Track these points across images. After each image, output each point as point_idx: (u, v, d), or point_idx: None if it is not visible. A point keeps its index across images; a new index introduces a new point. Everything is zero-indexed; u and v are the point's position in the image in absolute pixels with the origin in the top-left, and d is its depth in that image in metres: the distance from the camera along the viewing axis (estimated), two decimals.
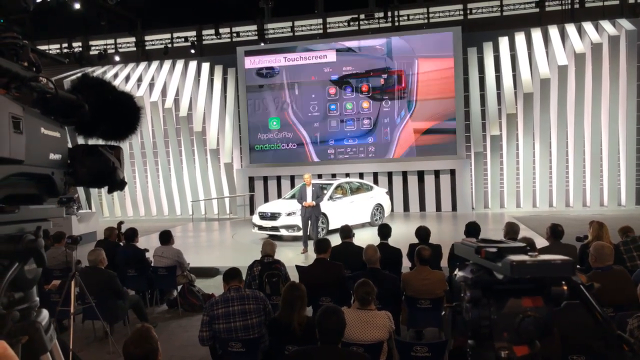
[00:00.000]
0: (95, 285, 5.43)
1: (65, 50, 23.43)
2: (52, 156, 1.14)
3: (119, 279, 5.89)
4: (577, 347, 3.15)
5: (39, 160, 1.09)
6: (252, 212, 16.08)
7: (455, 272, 1.12)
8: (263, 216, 12.03)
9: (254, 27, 22.36)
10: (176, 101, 18.27)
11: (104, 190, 1.40)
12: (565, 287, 0.95)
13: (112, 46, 23.65)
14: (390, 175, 16.85)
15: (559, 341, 3.06)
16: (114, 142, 1.44)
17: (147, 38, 23.48)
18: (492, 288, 0.99)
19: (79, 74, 1.48)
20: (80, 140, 1.44)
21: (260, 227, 11.98)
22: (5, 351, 0.95)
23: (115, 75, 19.31)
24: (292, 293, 3.73)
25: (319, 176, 15.98)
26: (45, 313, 1.22)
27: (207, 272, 8.72)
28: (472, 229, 6.10)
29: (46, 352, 1.16)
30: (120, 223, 8.28)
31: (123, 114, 1.44)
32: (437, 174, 16.60)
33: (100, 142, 1.41)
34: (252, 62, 17.88)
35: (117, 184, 1.35)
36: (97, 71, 19.41)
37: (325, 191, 12.15)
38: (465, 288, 1.03)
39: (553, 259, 0.94)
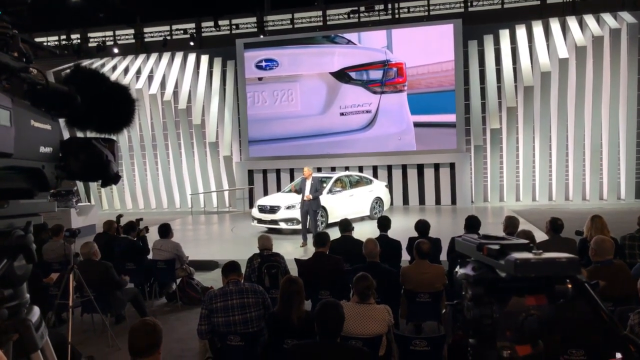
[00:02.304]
0: (92, 278, 5.41)
1: (63, 42, 23.30)
2: (43, 149, 1.11)
3: (115, 271, 5.87)
4: (576, 342, 3.13)
5: (28, 154, 1.06)
6: (251, 206, 16.06)
7: (457, 269, 1.09)
8: (262, 209, 12.02)
9: (254, 20, 22.23)
10: (175, 94, 18.20)
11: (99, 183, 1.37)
12: (569, 286, 0.92)
13: (111, 38, 23.51)
14: (389, 168, 16.82)
15: (559, 336, 3.05)
16: (108, 135, 1.41)
17: (146, 30, 23.34)
18: (495, 286, 0.96)
19: (72, 66, 1.45)
20: (74, 133, 1.41)
21: (260, 221, 11.97)
22: None
23: (114, 68, 19.23)
24: (289, 287, 3.71)
25: (319, 169, 15.94)
26: (36, 310, 1.19)
27: (206, 266, 8.72)
28: (472, 222, 6.08)
29: (37, 351, 1.13)
30: (119, 216, 8.25)
31: (117, 106, 1.40)
32: (436, 167, 16.57)
33: (94, 134, 1.38)
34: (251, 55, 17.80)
35: (110, 178, 1.32)
36: (95, 63, 19.34)
37: (324, 184, 12.13)
38: (466, 286, 1.00)
39: (558, 257, 0.91)
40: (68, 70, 1.36)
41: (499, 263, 0.95)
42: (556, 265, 0.91)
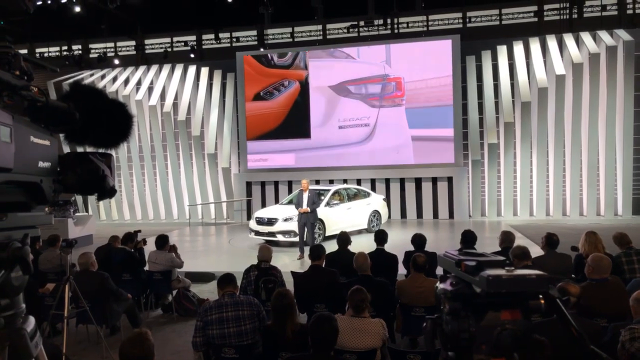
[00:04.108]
0: (88, 288, 5.42)
1: (65, 53, 23.48)
2: (41, 164, 1.16)
3: (112, 282, 5.88)
4: (566, 356, 3.14)
5: (27, 169, 1.10)
6: (249, 217, 16.05)
7: (436, 285, 1.13)
8: (260, 221, 12.03)
9: (254, 33, 22.45)
10: (175, 105, 18.28)
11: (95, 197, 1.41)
12: (542, 301, 0.96)
13: (112, 49, 23.72)
14: (387, 182, 16.86)
15: (550, 352, 3.06)
16: (105, 150, 1.45)
17: (146, 42, 23.55)
18: (472, 301, 1.00)
19: (71, 82, 1.49)
20: (74, 148, 1.45)
21: (257, 233, 11.98)
22: None
23: (115, 79, 19.33)
24: (281, 301, 3.72)
25: (317, 182, 15.97)
26: (31, 320, 1.22)
27: (203, 277, 8.71)
28: (468, 237, 6.11)
29: (31, 359, 1.17)
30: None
31: (114, 122, 1.45)
32: (434, 181, 16.62)
33: (91, 149, 1.42)
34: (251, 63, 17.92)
35: (106, 192, 1.36)
36: (96, 74, 19.46)
37: (322, 197, 12.16)
38: (444, 300, 1.04)
39: (528, 274, 0.95)
40: (67, 87, 1.41)
41: (475, 279, 0.99)
42: (526, 281, 0.95)
